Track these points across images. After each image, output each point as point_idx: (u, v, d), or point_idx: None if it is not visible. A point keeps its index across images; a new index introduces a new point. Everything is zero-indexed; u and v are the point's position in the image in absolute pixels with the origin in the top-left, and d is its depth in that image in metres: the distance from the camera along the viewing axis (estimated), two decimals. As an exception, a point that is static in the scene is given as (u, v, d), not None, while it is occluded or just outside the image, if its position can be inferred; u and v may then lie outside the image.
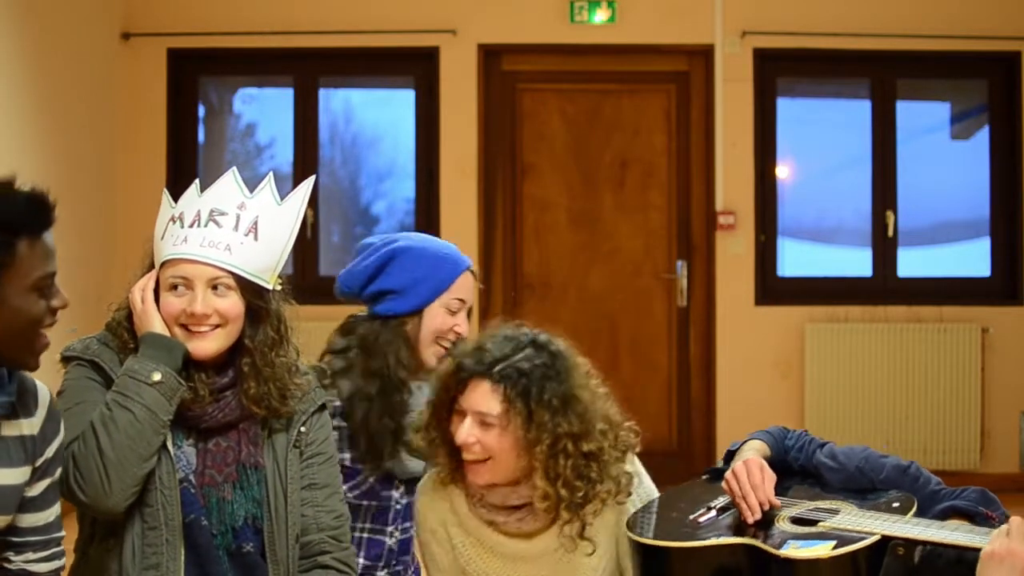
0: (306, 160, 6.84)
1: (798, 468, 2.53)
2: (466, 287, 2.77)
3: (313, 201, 6.77)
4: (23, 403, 2.08)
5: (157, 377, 2.24)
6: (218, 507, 2.32)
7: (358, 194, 7.24)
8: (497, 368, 2.32)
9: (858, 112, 6.88)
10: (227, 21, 6.69)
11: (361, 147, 7.31)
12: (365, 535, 2.77)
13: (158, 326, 2.30)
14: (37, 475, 2.10)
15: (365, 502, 2.75)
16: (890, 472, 2.40)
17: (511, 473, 2.36)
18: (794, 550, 2.21)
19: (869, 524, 2.21)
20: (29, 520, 2.11)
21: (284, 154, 7.03)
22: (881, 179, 6.80)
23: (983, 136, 6.89)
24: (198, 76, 6.89)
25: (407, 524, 2.80)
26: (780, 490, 2.44)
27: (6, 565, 2.11)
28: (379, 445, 2.69)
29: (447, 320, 2.73)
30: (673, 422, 6.80)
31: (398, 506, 2.79)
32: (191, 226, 2.32)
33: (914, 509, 2.27)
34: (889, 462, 2.42)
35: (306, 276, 6.65)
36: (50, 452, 2.12)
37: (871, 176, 6.80)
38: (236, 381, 2.35)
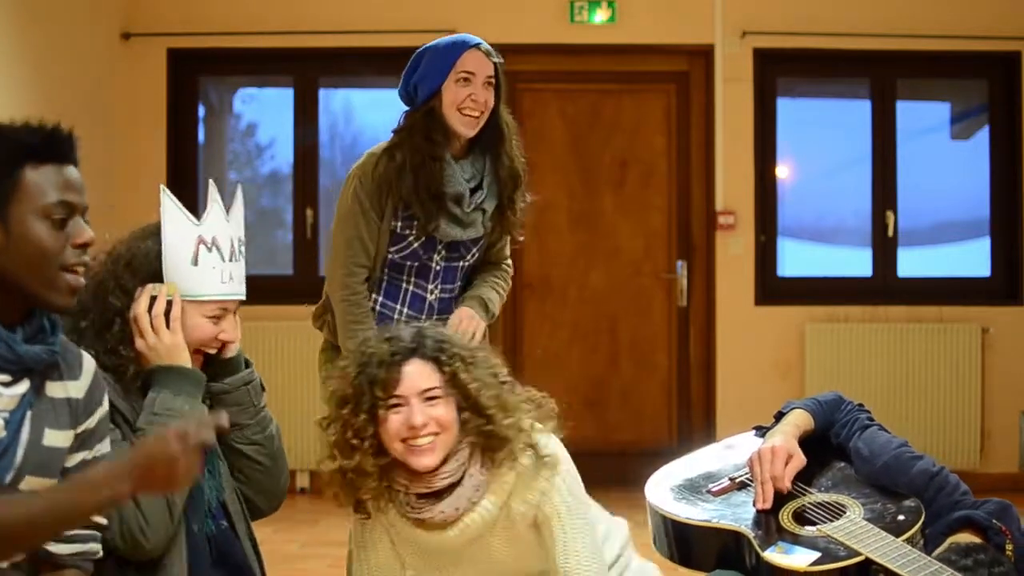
0: (306, 160, 6.84)
1: (836, 445, 2.54)
2: (471, 61, 3.24)
3: (313, 201, 6.80)
4: (68, 364, 2.02)
5: None
6: (195, 498, 2.32)
7: (358, 194, 7.23)
8: (418, 347, 2.38)
9: (858, 112, 6.88)
10: (227, 21, 6.69)
11: (361, 147, 7.24)
12: (411, 288, 3.34)
13: (188, 361, 2.29)
14: (76, 444, 2.02)
15: (408, 262, 3.31)
16: (916, 476, 2.38)
17: (453, 443, 2.38)
18: (777, 554, 2.24)
19: (861, 539, 2.21)
20: None
21: (284, 154, 7.03)
22: (881, 179, 6.80)
23: (983, 136, 6.89)
24: (198, 76, 6.89)
25: (446, 286, 3.37)
26: (810, 468, 2.46)
27: None
28: (421, 209, 3.22)
29: (461, 92, 3.23)
30: (673, 422, 6.80)
31: (437, 267, 3.34)
32: (231, 259, 2.35)
33: (918, 524, 2.26)
34: (919, 466, 2.40)
35: (306, 276, 6.65)
36: (92, 422, 2.05)
37: (871, 176, 6.80)
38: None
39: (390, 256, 3.31)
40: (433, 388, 2.35)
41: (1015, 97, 6.73)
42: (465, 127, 3.25)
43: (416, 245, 3.30)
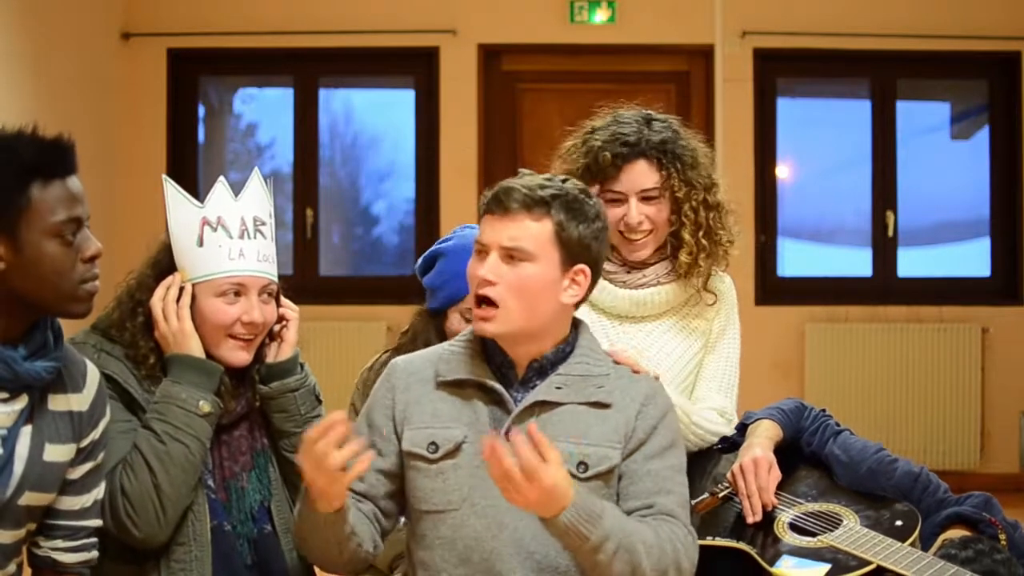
0: (306, 160, 6.84)
1: (808, 453, 2.49)
2: None
3: (313, 201, 6.79)
4: (71, 376, 2.02)
5: (207, 408, 2.22)
6: (237, 497, 2.30)
7: (358, 194, 7.23)
8: (644, 146, 2.53)
9: (858, 112, 6.88)
10: (227, 21, 6.69)
11: (361, 147, 7.30)
12: None
13: (197, 349, 2.25)
14: (81, 457, 2.03)
15: None
16: (901, 479, 2.36)
17: (664, 237, 2.59)
18: (786, 569, 2.19)
19: (867, 547, 2.18)
20: (64, 503, 2.02)
21: (284, 154, 7.03)
22: (881, 179, 6.80)
23: (983, 136, 6.89)
24: (198, 76, 6.89)
25: None
26: (788, 478, 2.42)
27: (34, 550, 2.04)
28: None
29: (461, 326, 2.68)
30: (673, 422, 6.80)
31: None
32: (241, 237, 2.29)
33: (918, 530, 2.24)
34: (900, 467, 2.38)
35: (306, 276, 6.64)
36: (96, 434, 2.05)
37: (871, 176, 6.80)
38: (245, 376, 2.35)
39: None
40: (651, 189, 2.54)
41: (1015, 97, 6.73)
42: None
43: None
